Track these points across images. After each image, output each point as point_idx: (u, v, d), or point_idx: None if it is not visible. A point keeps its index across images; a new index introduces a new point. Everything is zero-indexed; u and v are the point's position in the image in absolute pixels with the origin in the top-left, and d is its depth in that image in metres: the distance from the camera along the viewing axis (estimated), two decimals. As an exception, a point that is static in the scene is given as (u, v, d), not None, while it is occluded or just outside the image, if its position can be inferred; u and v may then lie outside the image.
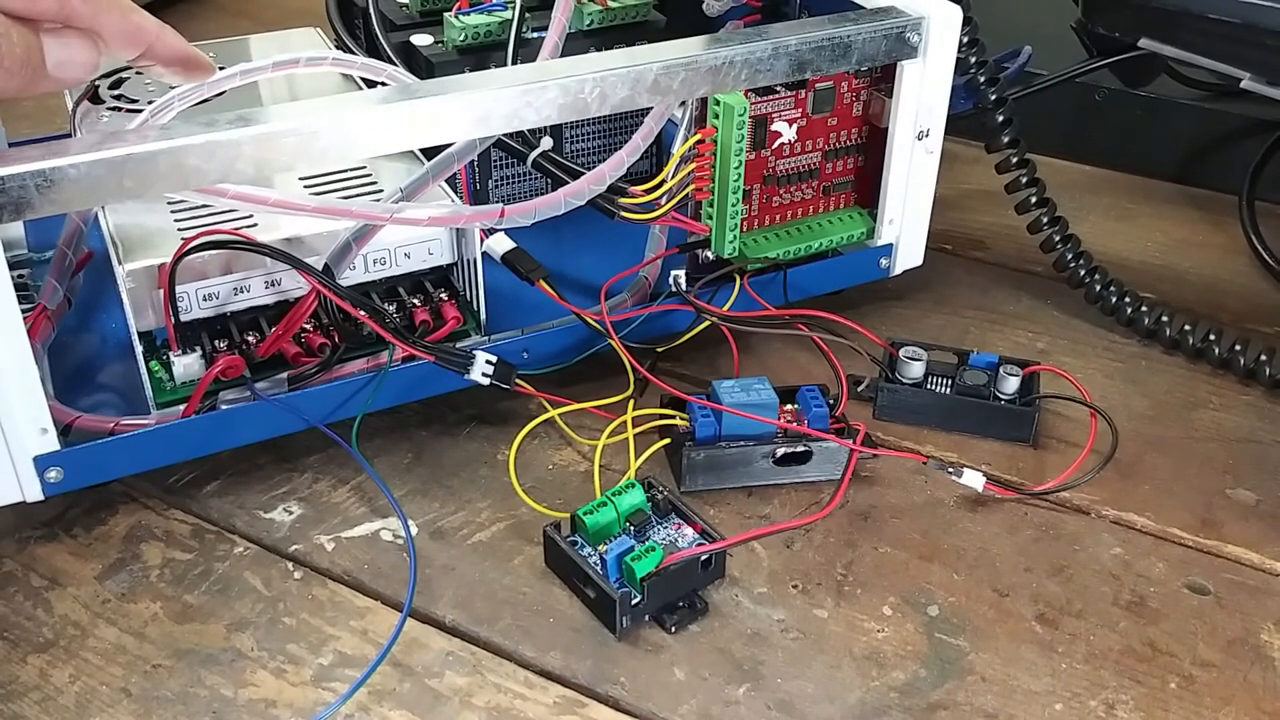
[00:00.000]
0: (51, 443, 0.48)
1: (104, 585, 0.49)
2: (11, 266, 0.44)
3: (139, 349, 0.50)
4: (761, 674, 0.46)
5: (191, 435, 0.51)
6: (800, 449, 0.54)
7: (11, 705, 0.44)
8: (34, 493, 0.48)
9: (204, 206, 0.52)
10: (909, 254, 0.64)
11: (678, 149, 0.56)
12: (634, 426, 0.55)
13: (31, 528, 0.52)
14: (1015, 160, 0.65)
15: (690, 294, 0.57)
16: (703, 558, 0.48)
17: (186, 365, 0.51)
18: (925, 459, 0.53)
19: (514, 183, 0.67)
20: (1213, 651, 0.47)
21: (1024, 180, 0.65)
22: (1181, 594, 0.50)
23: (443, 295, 0.55)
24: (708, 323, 0.58)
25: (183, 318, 0.50)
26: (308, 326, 0.52)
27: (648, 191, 0.55)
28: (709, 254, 0.59)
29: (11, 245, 0.59)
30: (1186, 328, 0.63)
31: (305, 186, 0.55)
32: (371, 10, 0.64)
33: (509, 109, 0.49)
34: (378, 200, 0.54)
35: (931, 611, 0.49)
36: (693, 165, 0.56)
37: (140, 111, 0.56)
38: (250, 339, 0.52)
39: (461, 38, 0.62)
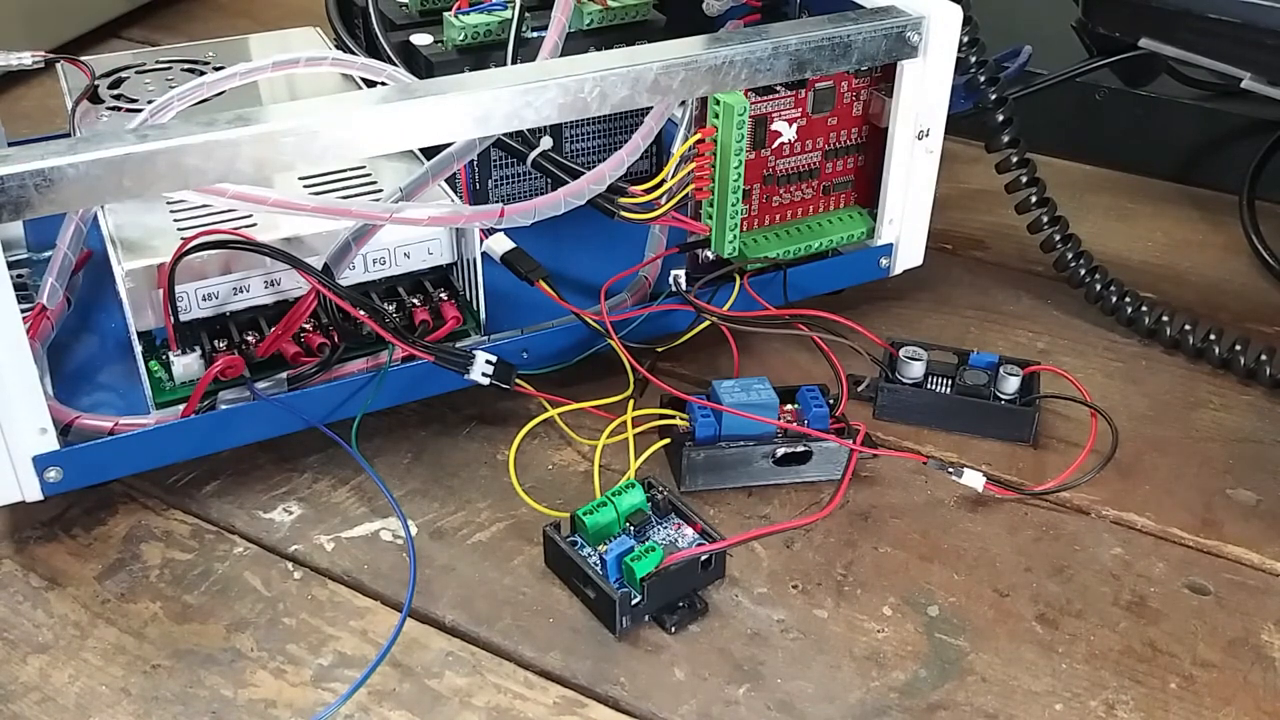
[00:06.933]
0: (51, 442, 0.48)
1: (104, 585, 0.49)
2: (11, 266, 0.44)
3: (138, 349, 0.50)
4: (761, 674, 0.46)
5: (191, 435, 0.51)
6: (800, 449, 0.54)
7: (11, 706, 0.44)
8: (33, 492, 0.48)
9: (204, 206, 0.52)
10: (909, 254, 0.64)
11: (678, 148, 0.56)
12: (634, 426, 0.55)
13: (31, 528, 0.52)
14: (1015, 160, 0.65)
15: (690, 294, 0.57)
16: (703, 558, 0.48)
17: (186, 365, 0.51)
18: (925, 459, 0.53)
19: (514, 183, 0.67)
20: (1213, 651, 0.47)
21: (1024, 180, 0.65)
22: (1181, 594, 0.50)
23: (442, 295, 0.55)
24: (708, 323, 0.58)
25: (182, 317, 0.50)
26: (307, 326, 0.52)
27: (648, 191, 0.55)
28: (709, 254, 0.59)
29: (11, 245, 0.59)
30: (1187, 327, 0.63)
31: (305, 186, 0.55)
32: (371, 10, 0.64)
33: (509, 109, 0.49)
34: (377, 200, 0.54)
35: (931, 611, 0.49)
36: (693, 165, 0.56)
37: (140, 111, 0.56)
38: (250, 339, 0.52)
39: (461, 37, 0.62)
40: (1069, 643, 0.47)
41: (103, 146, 0.44)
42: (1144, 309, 0.64)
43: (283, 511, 0.53)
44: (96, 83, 0.63)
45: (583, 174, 0.54)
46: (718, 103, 0.54)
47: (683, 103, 0.57)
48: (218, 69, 0.61)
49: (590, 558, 0.48)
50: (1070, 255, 0.65)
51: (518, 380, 0.54)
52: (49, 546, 0.51)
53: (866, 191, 0.62)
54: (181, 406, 0.51)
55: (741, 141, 0.54)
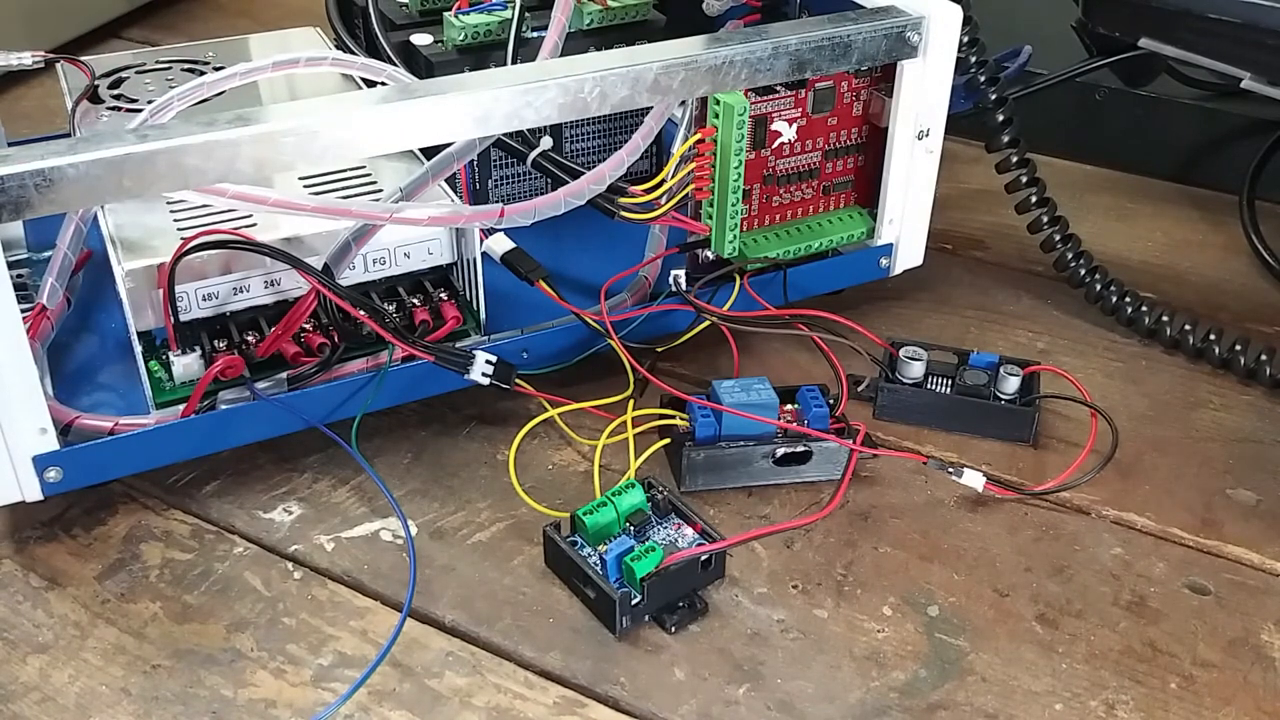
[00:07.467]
0: (51, 442, 0.48)
1: (104, 585, 0.49)
2: (11, 266, 0.44)
3: (138, 349, 0.50)
4: (761, 674, 0.46)
5: (191, 435, 0.51)
6: (800, 449, 0.54)
7: (11, 706, 0.44)
8: (33, 493, 0.48)
9: (204, 206, 0.52)
10: (909, 254, 0.64)
11: (678, 148, 0.56)
12: (634, 426, 0.55)
13: (31, 528, 0.52)
14: (1015, 160, 0.65)
15: (690, 294, 0.57)
16: (703, 558, 0.48)
17: (186, 365, 0.51)
18: (925, 459, 0.53)
19: (514, 183, 0.67)
20: (1213, 651, 0.47)
21: (1024, 180, 0.65)
22: (1181, 594, 0.50)
23: (442, 295, 0.55)
24: (708, 323, 0.58)
25: (182, 317, 0.50)
26: (307, 326, 0.52)
27: (648, 191, 0.55)
28: (709, 254, 0.59)
29: (11, 245, 0.59)
30: (1187, 327, 0.63)
31: (305, 186, 0.55)
32: (371, 10, 0.64)
33: (509, 109, 0.49)
34: (377, 200, 0.54)
35: (931, 611, 0.49)
36: (693, 165, 0.56)
37: (140, 111, 0.56)
38: (250, 339, 0.52)
39: (461, 37, 0.62)
40: (1069, 643, 0.47)
41: (103, 146, 0.44)
42: (1144, 309, 0.64)
43: (283, 511, 0.53)
44: (96, 83, 0.63)
45: (583, 174, 0.54)
46: (718, 103, 0.54)
47: (683, 103, 0.57)
48: (218, 69, 0.61)
49: (590, 558, 0.48)
50: (1070, 255, 0.65)
51: (518, 380, 0.54)
52: (49, 546, 0.51)
53: (866, 191, 0.62)
54: (181, 406, 0.51)
55: (741, 141, 0.54)
